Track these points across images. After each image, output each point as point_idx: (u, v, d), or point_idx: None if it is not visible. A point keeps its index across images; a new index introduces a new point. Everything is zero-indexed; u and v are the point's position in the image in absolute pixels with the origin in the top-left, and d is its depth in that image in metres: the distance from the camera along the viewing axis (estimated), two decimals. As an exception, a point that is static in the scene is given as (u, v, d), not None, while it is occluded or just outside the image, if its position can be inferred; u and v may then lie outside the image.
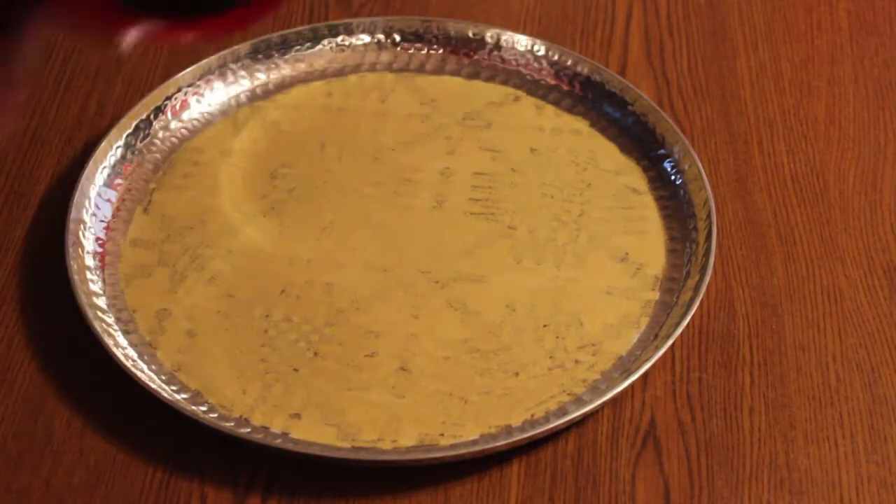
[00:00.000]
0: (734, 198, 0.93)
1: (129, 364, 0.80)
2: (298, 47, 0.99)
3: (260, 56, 0.99)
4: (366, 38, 1.00)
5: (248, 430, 0.79)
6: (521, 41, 0.99)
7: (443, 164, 0.93)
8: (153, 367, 0.82)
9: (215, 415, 0.80)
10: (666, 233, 0.90)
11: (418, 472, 0.78)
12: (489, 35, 0.99)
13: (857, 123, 0.98)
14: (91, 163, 0.90)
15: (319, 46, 1.00)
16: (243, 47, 0.98)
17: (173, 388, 0.81)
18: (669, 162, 0.93)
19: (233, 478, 0.78)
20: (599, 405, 0.80)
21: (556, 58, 0.99)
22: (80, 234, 0.87)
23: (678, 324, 0.83)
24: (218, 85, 0.97)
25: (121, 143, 0.92)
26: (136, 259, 0.88)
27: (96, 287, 0.85)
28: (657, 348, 0.82)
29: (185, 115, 0.96)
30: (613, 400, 0.81)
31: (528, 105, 0.97)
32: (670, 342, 0.82)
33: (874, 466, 0.79)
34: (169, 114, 0.95)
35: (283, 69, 0.99)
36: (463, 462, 0.78)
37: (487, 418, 0.80)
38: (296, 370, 0.82)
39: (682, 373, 0.83)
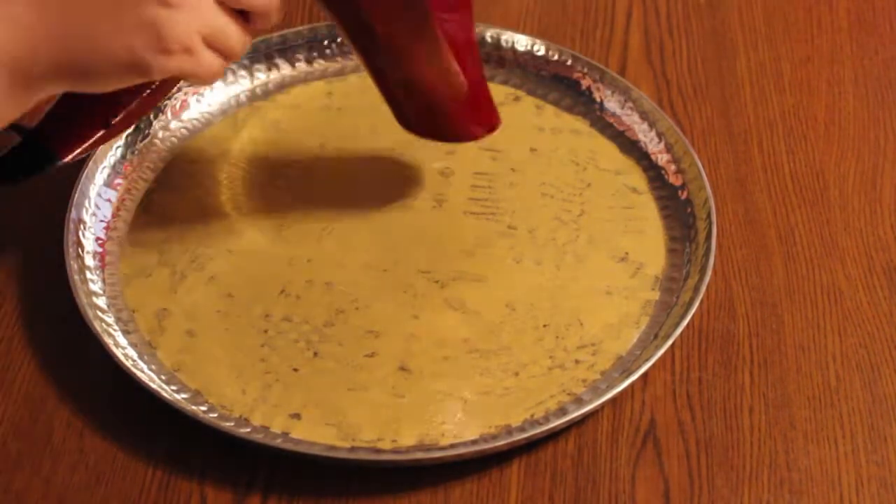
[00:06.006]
0: (734, 198, 0.93)
1: (129, 364, 0.80)
2: (298, 47, 0.99)
3: (260, 56, 0.99)
4: (366, 38, 1.00)
5: (248, 429, 0.79)
6: (521, 41, 0.99)
7: (443, 164, 0.93)
8: (153, 366, 0.82)
9: (215, 415, 0.80)
10: (666, 233, 0.90)
11: (418, 472, 0.78)
12: (489, 35, 0.99)
13: (857, 123, 0.98)
14: (91, 162, 0.90)
15: (319, 46, 1.00)
16: (243, 47, 0.98)
17: (173, 387, 0.81)
18: (669, 162, 0.93)
19: (233, 478, 0.78)
20: (599, 405, 0.80)
21: (556, 58, 0.99)
22: (80, 234, 0.87)
23: (678, 324, 0.83)
24: (218, 85, 0.97)
25: (121, 142, 0.92)
26: (136, 259, 0.88)
27: (96, 287, 0.85)
28: (657, 348, 0.81)
29: (185, 115, 0.96)
30: (613, 400, 0.81)
31: (528, 105, 0.97)
32: (670, 342, 0.82)
33: (874, 466, 0.79)
34: (169, 114, 0.95)
35: (283, 69, 0.99)
36: (463, 462, 0.78)
37: (487, 418, 0.80)
38: (296, 370, 0.82)
39: (682, 373, 0.83)
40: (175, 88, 0.83)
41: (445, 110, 0.87)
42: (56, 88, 0.73)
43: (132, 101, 0.79)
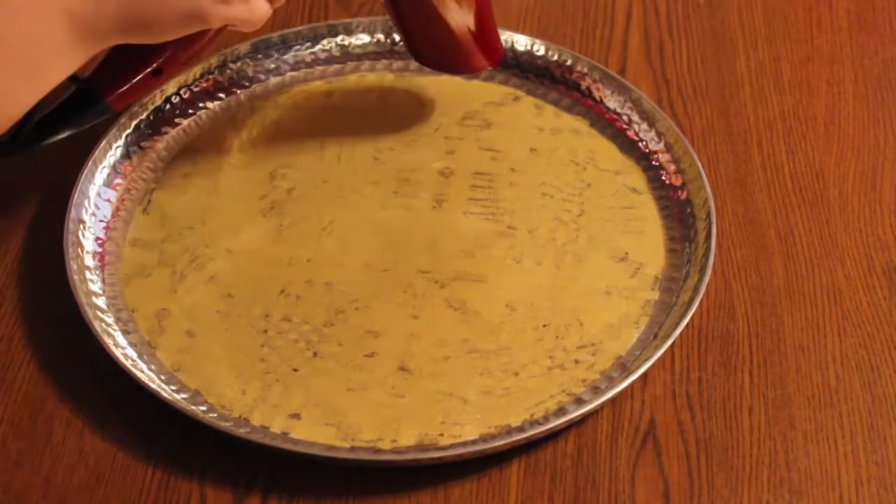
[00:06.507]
0: (734, 198, 0.93)
1: (128, 364, 0.80)
2: (298, 47, 0.99)
3: (260, 56, 0.99)
4: (365, 38, 1.00)
5: (248, 429, 0.79)
6: (521, 41, 0.99)
7: (443, 163, 0.93)
8: (153, 366, 0.82)
9: (215, 415, 0.80)
10: (666, 233, 0.90)
11: (418, 472, 0.78)
12: (489, 35, 0.99)
13: (856, 123, 0.98)
14: (90, 162, 0.90)
15: (319, 46, 1.00)
16: (243, 47, 0.98)
17: (173, 387, 0.81)
18: (669, 162, 0.93)
19: (233, 478, 0.78)
20: (599, 405, 0.80)
21: (555, 58, 0.99)
22: (80, 234, 0.87)
23: (678, 324, 0.83)
24: (218, 85, 0.97)
25: (120, 142, 0.92)
26: (136, 259, 0.88)
27: (96, 287, 0.85)
28: (657, 348, 0.81)
29: (185, 116, 0.96)
30: (613, 400, 0.81)
31: (528, 105, 0.98)
32: (670, 342, 0.82)
33: (874, 466, 0.79)
34: (169, 114, 0.95)
35: (283, 69, 0.99)
36: (463, 462, 0.78)
37: (487, 418, 0.80)
38: (295, 370, 0.82)
39: (681, 373, 0.83)
40: (217, 34, 0.86)
41: (457, 41, 0.90)
42: (118, 40, 0.77)
43: (177, 46, 0.83)
